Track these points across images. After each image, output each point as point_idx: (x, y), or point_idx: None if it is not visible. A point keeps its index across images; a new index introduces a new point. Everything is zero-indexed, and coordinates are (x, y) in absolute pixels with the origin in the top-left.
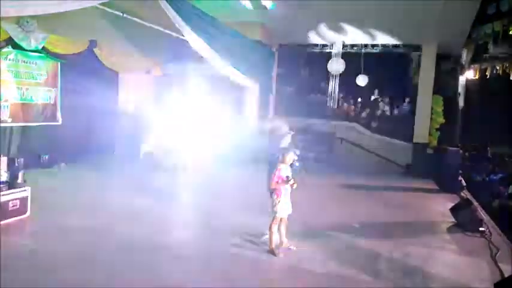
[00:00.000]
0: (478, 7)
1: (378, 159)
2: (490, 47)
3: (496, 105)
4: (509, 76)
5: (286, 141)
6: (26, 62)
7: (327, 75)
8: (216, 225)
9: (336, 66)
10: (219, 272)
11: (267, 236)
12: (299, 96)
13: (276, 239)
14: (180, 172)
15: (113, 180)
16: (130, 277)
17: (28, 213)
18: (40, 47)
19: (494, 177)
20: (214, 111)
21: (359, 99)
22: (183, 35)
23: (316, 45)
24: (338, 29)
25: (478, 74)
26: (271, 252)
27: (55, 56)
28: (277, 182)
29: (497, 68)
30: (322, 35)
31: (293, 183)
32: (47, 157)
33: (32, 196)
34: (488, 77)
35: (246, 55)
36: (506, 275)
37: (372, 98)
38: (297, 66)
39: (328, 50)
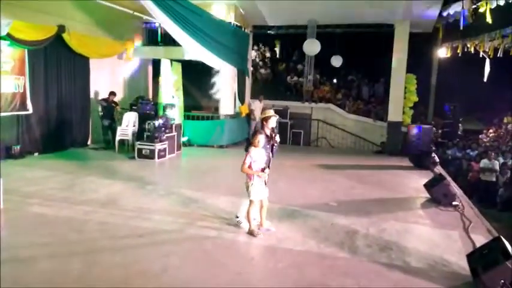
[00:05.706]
0: None
1: (353, 139)
2: (461, 25)
3: (467, 82)
4: (479, 54)
5: (271, 124)
6: None
7: (303, 57)
8: (195, 208)
9: (311, 47)
10: (200, 255)
11: (239, 219)
12: (275, 78)
13: (255, 220)
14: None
15: (87, 169)
16: (109, 266)
17: (1, 205)
18: (4, 34)
19: (471, 153)
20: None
21: (334, 80)
22: (154, 18)
23: (291, 26)
24: (311, 8)
25: (449, 52)
26: (251, 233)
27: (21, 42)
28: (249, 167)
29: (468, 45)
30: (296, 15)
31: (264, 168)
32: (18, 148)
33: (4, 188)
34: (459, 54)
35: (221, 38)
36: (478, 246)
37: (347, 78)
38: (273, 48)
39: (303, 31)
